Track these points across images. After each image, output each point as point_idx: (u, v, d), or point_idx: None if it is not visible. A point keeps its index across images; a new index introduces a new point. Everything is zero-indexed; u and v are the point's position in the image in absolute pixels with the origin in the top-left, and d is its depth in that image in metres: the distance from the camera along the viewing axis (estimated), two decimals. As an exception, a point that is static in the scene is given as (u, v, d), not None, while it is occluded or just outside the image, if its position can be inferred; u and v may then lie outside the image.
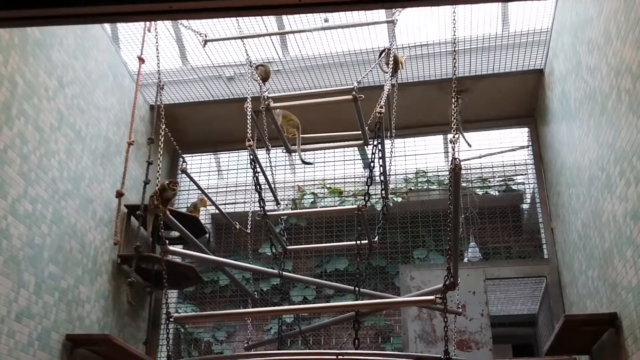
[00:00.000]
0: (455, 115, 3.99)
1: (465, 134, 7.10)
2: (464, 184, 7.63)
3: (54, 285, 5.24)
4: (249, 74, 5.89)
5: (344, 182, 8.21)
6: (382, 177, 5.36)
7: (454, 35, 4.31)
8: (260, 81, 5.69)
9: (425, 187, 7.91)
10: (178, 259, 6.84)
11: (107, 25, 6.45)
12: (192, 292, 8.01)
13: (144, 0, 2.35)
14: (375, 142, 4.84)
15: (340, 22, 6.23)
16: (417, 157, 8.04)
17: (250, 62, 5.89)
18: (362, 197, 4.87)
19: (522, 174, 7.88)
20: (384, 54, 5.76)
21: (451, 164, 3.66)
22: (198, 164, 8.34)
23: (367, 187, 4.70)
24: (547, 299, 7.20)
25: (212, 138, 8.15)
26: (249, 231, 6.58)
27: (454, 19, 4.35)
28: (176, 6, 2.37)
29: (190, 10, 2.43)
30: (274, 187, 6.38)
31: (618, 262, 4.53)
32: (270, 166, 6.61)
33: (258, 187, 5.08)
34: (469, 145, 7.13)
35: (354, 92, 5.13)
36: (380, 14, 6.15)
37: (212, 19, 5.93)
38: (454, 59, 4.20)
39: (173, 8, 2.38)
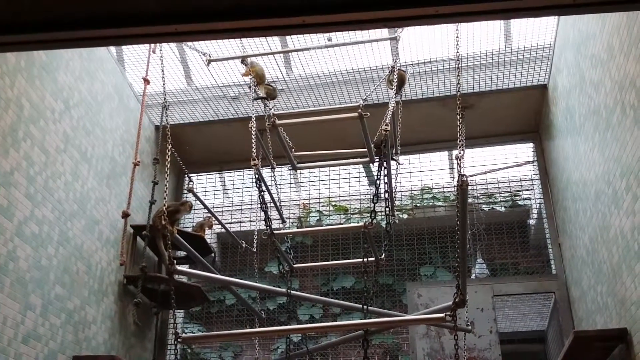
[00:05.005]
0: (460, 131, 4.00)
1: (470, 150, 7.08)
2: (470, 200, 7.61)
3: (60, 307, 5.23)
4: (250, 89, 5.90)
5: (350, 200, 8.20)
6: (387, 194, 5.35)
7: (457, 52, 4.32)
8: (252, 78, 5.72)
9: (430, 203, 7.89)
10: (184, 279, 6.83)
11: (112, 48, 6.51)
12: (199, 311, 7.97)
13: (150, 22, 2.37)
14: (381, 159, 4.83)
15: (343, 40, 6.26)
16: (422, 173, 8.03)
17: (243, 61, 5.90)
18: (368, 215, 4.85)
19: (528, 190, 7.86)
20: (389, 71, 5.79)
21: (458, 180, 3.65)
22: (203, 183, 8.35)
23: (373, 205, 4.68)
24: (556, 315, 7.14)
25: (217, 157, 8.17)
26: (255, 250, 6.57)
27: (457, 36, 4.37)
28: (181, 28, 2.38)
29: (196, 32, 2.45)
30: (280, 206, 6.37)
31: (627, 277, 4.50)
32: (276, 184, 6.61)
33: (264, 205, 5.08)
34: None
35: (359, 110, 5.15)
36: (383, 32, 6.18)
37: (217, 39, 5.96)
38: (458, 75, 4.21)
39: (178, 30, 2.39)
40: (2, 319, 4.41)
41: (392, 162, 5.83)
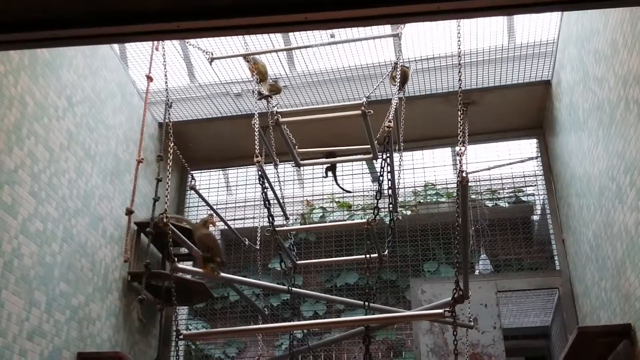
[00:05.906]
0: (461, 127, 3.99)
1: (474, 146, 7.07)
2: (473, 196, 7.61)
3: (65, 304, 5.25)
4: (253, 86, 5.90)
5: (353, 196, 8.20)
6: (390, 191, 5.35)
7: (460, 48, 4.32)
8: (255, 75, 5.71)
9: (434, 199, 7.89)
10: (188, 276, 6.84)
11: (115, 45, 6.51)
12: (202, 308, 7.99)
13: (152, 20, 2.37)
14: (384, 156, 4.83)
15: (346, 36, 6.26)
16: (426, 169, 8.03)
17: (245, 57, 5.89)
18: (371, 211, 4.85)
19: (531, 185, 7.85)
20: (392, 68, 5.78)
21: (458, 176, 3.65)
22: (207, 181, 8.37)
23: (376, 201, 4.68)
24: (560, 311, 7.14)
25: (221, 154, 8.18)
26: (258, 247, 6.57)
27: (459, 32, 4.36)
28: (183, 25, 2.39)
29: (198, 29, 2.45)
30: (283, 202, 6.38)
31: (631, 273, 4.49)
32: (279, 181, 6.61)
33: (267, 202, 5.08)
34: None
35: (363, 107, 5.14)
36: (386, 28, 6.18)
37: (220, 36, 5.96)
38: (460, 71, 4.21)
39: (180, 27, 2.40)
40: (7, 315, 4.43)
41: (396, 159, 5.83)
